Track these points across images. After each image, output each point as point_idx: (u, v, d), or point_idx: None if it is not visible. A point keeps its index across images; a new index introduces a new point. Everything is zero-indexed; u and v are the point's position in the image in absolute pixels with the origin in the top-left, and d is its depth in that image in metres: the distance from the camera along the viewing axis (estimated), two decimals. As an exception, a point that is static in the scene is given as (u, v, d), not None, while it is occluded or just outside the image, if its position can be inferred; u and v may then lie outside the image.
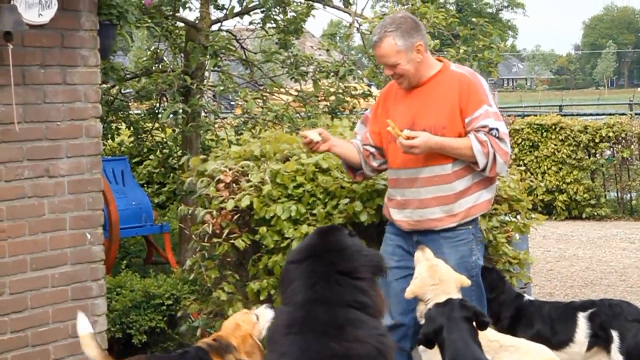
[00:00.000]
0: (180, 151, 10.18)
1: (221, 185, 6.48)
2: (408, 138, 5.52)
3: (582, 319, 6.28)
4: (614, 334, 6.21)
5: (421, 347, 5.33)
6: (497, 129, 5.57)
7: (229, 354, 5.19)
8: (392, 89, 5.95)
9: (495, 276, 6.32)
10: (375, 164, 6.00)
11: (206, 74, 9.96)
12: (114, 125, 10.89)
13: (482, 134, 5.55)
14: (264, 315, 5.35)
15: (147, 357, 5.26)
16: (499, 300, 6.28)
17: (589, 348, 6.27)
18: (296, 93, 10.29)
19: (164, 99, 10.60)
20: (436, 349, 5.02)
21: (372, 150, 5.98)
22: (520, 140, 17.81)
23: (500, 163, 5.61)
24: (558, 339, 6.23)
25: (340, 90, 10.04)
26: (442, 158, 5.62)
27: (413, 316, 5.49)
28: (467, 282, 5.43)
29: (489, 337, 5.19)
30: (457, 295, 5.24)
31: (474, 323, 4.87)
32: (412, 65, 5.64)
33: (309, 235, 5.06)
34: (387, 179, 5.98)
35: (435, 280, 5.26)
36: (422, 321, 5.16)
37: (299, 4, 10.37)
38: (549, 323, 6.29)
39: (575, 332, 6.26)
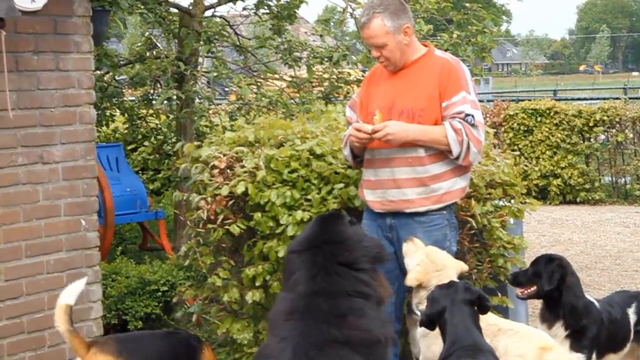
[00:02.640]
0: (175, 137, 10.17)
1: (215, 171, 6.47)
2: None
3: (632, 315, 6.22)
4: None
5: (420, 332, 5.34)
6: (472, 116, 5.58)
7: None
8: (376, 72, 5.97)
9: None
10: None
11: (200, 60, 9.94)
12: (108, 112, 10.90)
13: (457, 121, 5.56)
14: None
15: (115, 338, 5.25)
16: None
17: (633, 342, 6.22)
18: (290, 79, 10.30)
19: (158, 85, 10.60)
20: (435, 335, 5.04)
21: None
22: (514, 125, 17.82)
23: (474, 152, 5.61)
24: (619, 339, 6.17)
25: (334, 76, 10.05)
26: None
27: (392, 301, 5.50)
28: (466, 267, 5.44)
29: (489, 320, 5.21)
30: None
31: (477, 307, 4.86)
32: (399, 47, 5.66)
33: (310, 222, 5.05)
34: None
35: (439, 266, 5.28)
36: (421, 307, 5.17)
37: (292, -11, 10.35)
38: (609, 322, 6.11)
39: (631, 329, 6.20)
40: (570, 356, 5.04)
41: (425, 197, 5.66)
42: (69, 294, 5.06)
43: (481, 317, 5.10)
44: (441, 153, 5.63)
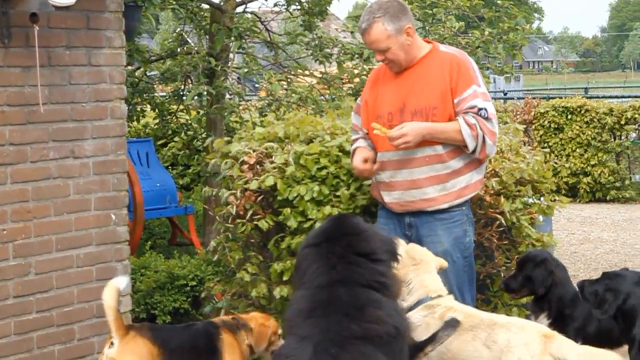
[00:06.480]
0: (205, 133, 10.21)
1: (245, 167, 6.50)
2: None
3: None
4: None
5: None
6: (485, 109, 5.58)
7: (241, 331, 5.22)
8: (380, 73, 5.93)
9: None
10: None
11: (231, 55, 9.97)
12: (138, 107, 10.96)
13: (471, 116, 5.56)
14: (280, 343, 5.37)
15: (150, 327, 5.28)
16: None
17: None
18: (320, 75, 10.30)
19: (189, 80, 10.65)
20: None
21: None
22: (545, 122, 17.75)
23: (489, 144, 5.62)
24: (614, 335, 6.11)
25: (365, 72, 10.04)
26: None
27: None
28: (445, 264, 5.41)
29: (482, 316, 5.18)
30: (437, 276, 5.28)
31: None
32: (402, 49, 5.64)
33: (324, 221, 5.07)
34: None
35: (417, 260, 5.28)
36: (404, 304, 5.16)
37: (323, -15, 10.35)
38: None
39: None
40: (572, 343, 4.99)
41: (446, 194, 5.67)
42: (120, 280, 5.13)
43: (474, 312, 5.17)
44: (459, 147, 5.64)
